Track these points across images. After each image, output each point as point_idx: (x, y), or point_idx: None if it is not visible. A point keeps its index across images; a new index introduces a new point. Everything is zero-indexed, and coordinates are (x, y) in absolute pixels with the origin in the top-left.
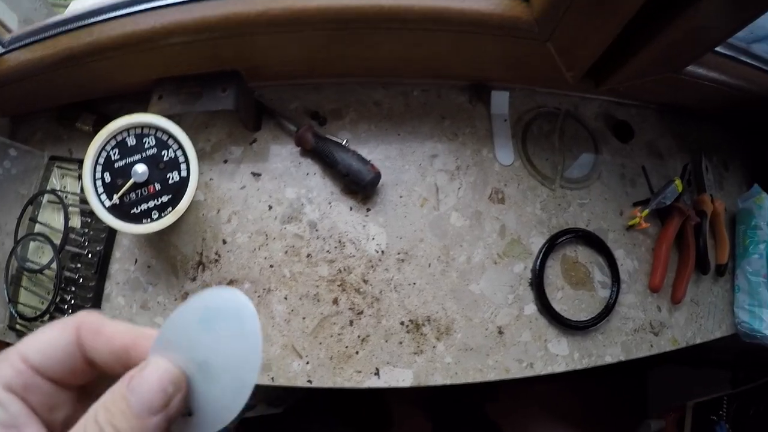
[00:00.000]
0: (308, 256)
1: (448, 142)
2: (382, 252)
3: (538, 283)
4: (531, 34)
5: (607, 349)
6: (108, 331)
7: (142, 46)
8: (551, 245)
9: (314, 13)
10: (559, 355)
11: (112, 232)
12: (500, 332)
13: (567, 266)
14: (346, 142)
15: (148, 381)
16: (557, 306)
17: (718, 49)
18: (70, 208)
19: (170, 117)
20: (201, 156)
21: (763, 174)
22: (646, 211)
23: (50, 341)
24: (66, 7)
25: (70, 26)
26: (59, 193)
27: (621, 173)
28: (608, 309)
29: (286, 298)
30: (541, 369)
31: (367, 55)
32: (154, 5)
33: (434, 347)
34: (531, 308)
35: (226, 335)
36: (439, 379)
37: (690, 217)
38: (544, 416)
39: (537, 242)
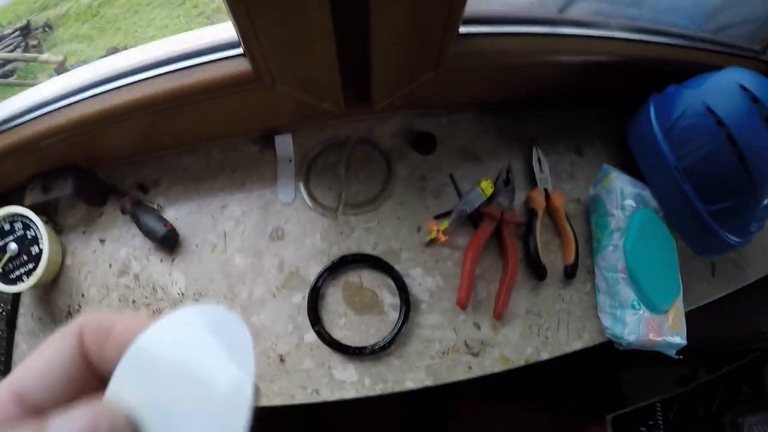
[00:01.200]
0: (133, 301)
1: (237, 192)
2: (183, 294)
3: (313, 311)
4: (260, 83)
5: (407, 374)
6: (117, 332)
7: (20, 151)
8: (326, 273)
9: (103, 113)
10: (347, 381)
11: (17, 295)
12: (282, 360)
13: (350, 292)
14: (158, 206)
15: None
16: (339, 333)
17: (510, 30)
18: None
19: (43, 203)
20: (69, 229)
21: (624, 153)
22: (445, 223)
23: (47, 366)
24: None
25: None
26: None
27: (420, 187)
28: (395, 333)
29: None
30: (328, 395)
31: (166, 132)
32: (27, 118)
33: None
34: (311, 336)
35: (208, 366)
36: None
37: (506, 221)
38: None
39: (315, 272)
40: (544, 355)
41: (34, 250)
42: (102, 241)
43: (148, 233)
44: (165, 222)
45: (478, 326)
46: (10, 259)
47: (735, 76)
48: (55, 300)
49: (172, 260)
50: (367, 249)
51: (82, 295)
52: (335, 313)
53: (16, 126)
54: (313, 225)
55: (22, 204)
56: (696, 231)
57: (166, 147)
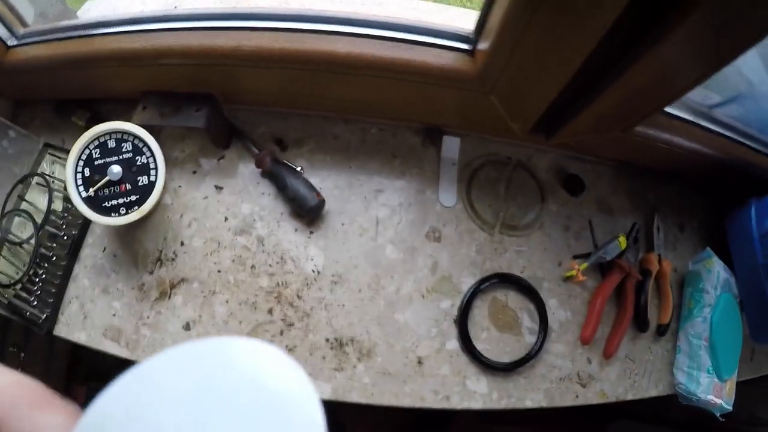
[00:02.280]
0: (252, 267)
1: (395, 180)
2: (318, 272)
3: (462, 320)
4: (475, 87)
5: (529, 394)
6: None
7: (133, 62)
8: (480, 286)
9: (279, 54)
10: (477, 393)
11: (87, 220)
12: (420, 362)
13: (495, 309)
14: (301, 169)
15: None
16: (480, 345)
17: (673, 112)
18: (55, 193)
19: (151, 126)
20: (173, 164)
21: (718, 240)
22: (585, 264)
23: None
24: None
25: (75, 33)
26: (47, 177)
27: (565, 225)
28: (531, 355)
29: (227, 302)
30: (457, 403)
31: (329, 95)
32: (147, 27)
33: (354, 367)
34: (453, 344)
35: None
36: (355, 397)
37: (631, 275)
38: None
39: (468, 282)
40: (629, 396)
41: (142, 180)
42: (218, 188)
43: (293, 198)
44: (317, 192)
45: (589, 361)
46: (109, 183)
47: None
48: (141, 239)
49: (310, 233)
50: (516, 271)
51: (182, 243)
52: (479, 326)
53: (137, 31)
54: (470, 235)
55: (125, 120)
56: (761, 320)
57: (318, 108)
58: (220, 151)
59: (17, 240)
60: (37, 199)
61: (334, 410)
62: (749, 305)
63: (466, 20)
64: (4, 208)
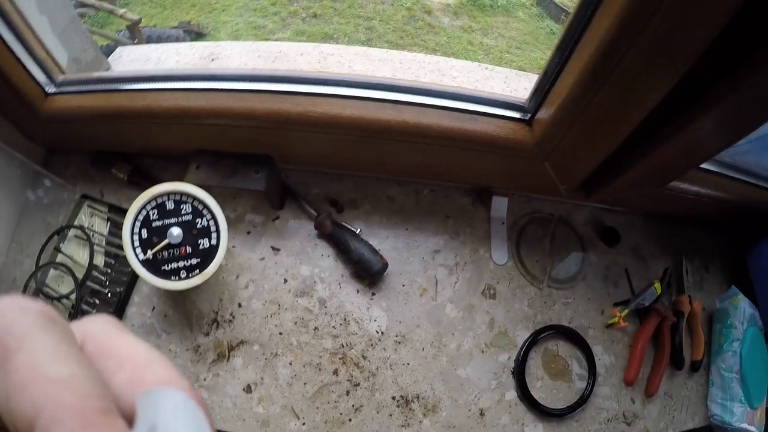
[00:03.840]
0: (315, 329)
1: (450, 240)
2: (382, 333)
3: (519, 372)
4: (531, 155)
5: None
6: (121, 350)
7: (190, 121)
8: (534, 339)
9: (347, 121)
10: None
11: (134, 277)
12: (482, 414)
13: (548, 358)
14: (360, 231)
15: None
16: (536, 394)
17: (710, 168)
18: (96, 247)
19: (204, 186)
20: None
21: (741, 276)
22: (626, 311)
23: None
24: (107, 37)
25: (124, 86)
26: (87, 230)
27: (605, 275)
28: (583, 399)
29: (291, 364)
30: None
31: (386, 159)
32: (206, 86)
33: (420, 422)
34: (512, 394)
35: None
36: None
37: (667, 318)
38: None
39: (522, 335)
40: (670, 431)
41: (203, 243)
42: (275, 250)
43: (357, 261)
44: (381, 256)
45: (633, 401)
46: (168, 246)
47: None
48: (194, 300)
49: (372, 294)
50: (564, 321)
51: (240, 305)
52: (534, 376)
53: (189, 90)
54: (522, 290)
55: (180, 179)
56: None
57: (371, 170)
58: (274, 212)
59: (55, 294)
60: (75, 252)
61: None
62: None
63: (517, 82)
64: (38, 260)
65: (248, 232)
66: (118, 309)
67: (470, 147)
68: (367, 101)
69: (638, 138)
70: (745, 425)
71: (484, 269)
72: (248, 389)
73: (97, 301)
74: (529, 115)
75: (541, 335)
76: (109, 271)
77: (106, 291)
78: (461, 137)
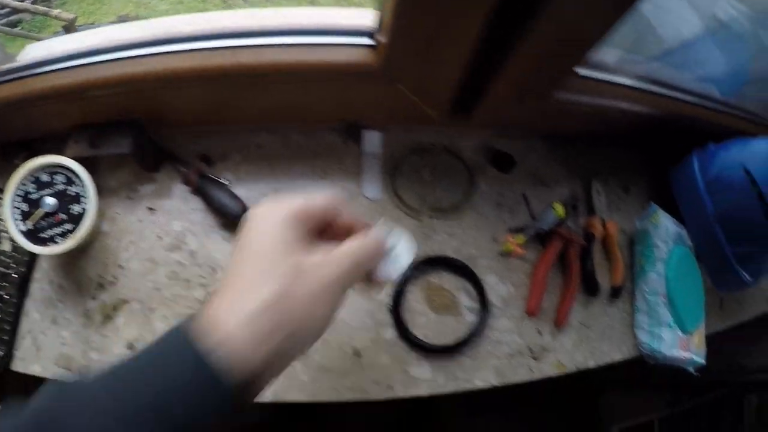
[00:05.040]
0: (186, 280)
1: (318, 180)
2: None
3: (396, 308)
4: (381, 78)
5: (477, 373)
6: (344, 218)
7: (61, 98)
8: (411, 271)
9: (189, 73)
10: (421, 379)
11: (33, 256)
12: (358, 354)
13: (431, 292)
14: (229, 181)
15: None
16: (419, 331)
17: (595, 75)
18: (3, 234)
19: (86, 158)
20: (111, 193)
21: (665, 195)
22: (520, 236)
23: (317, 204)
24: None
25: (10, 76)
26: None
27: (498, 202)
28: (474, 333)
29: (165, 317)
30: (401, 392)
31: (246, 106)
32: (74, 64)
33: (291, 366)
34: (391, 333)
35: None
36: (295, 396)
37: (573, 242)
38: None
39: None
40: (591, 363)
41: (75, 209)
42: (151, 210)
43: (218, 210)
44: (239, 200)
45: (540, 332)
46: (45, 215)
47: None
48: (83, 268)
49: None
50: (449, 253)
51: (120, 266)
52: (415, 311)
53: (62, 69)
54: (398, 224)
55: (61, 155)
56: (719, 267)
57: (239, 121)
58: (152, 175)
59: None
60: None
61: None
62: (706, 255)
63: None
64: None
65: (129, 198)
66: (21, 286)
67: (318, 78)
68: (208, 51)
69: (497, 45)
70: (677, 352)
71: (354, 206)
72: (130, 346)
73: (6, 284)
74: (374, 40)
75: (420, 267)
76: (15, 254)
77: (12, 273)
78: (304, 70)
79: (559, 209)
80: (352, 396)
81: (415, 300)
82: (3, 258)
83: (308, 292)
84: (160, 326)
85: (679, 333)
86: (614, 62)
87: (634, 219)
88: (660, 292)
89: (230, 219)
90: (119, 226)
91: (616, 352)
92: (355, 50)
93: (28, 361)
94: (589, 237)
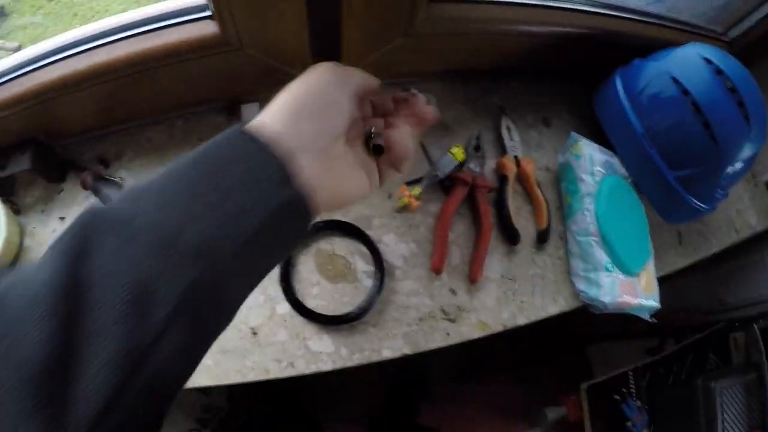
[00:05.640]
0: None
1: None
2: None
3: (285, 280)
4: (227, 46)
5: (385, 342)
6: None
7: None
8: None
9: (55, 82)
10: (323, 353)
11: None
12: (254, 333)
13: (322, 260)
14: (121, 179)
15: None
16: (313, 302)
17: None
18: None
19: (2, 181)
20: (28, 209)
21: (591, 123)
22: (417, 188)
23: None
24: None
25: None
26: None
27: None
28: (372, 300)
29: None
30: (304, 368)
31: (128, 101)
32: None
33: None
34: (284, 307)
35: None
36: (203, 381)
37: (479, 186)
38: (485, 414)
39: None
40: (521, 320)
41: None
42: (62, 219)
43: None
44: None
45: (453, 292)
46: None
47: (699, 50)
48: None
49: None
50: (338, 216)
51: None
52: (308, 282)
53: None
54: None
55: None
56: (663, 196)
57: (128, 119)
58: (58, 185)
59: None
60: None
61: (310, 413)
62: (644, 183)
63: None
64: None
65: (43, 211)
66: None
67: (171, 61)
68: (69, 58)
69: None
70: (622, 298)
71: None
72: None
73: None
74: (209, 10)
75: (307, 235)
76: None
77: None
78: (153, 55)
79: (458, 152)
80: (255, 376)
81: (306, 270)
82: None
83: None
84: None
85: (621, 276)
86: None
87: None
88: (591, 231)
89: None
90: (38, 239)
91: (551, 305)
92: (195, 25)
93: None
94: (501, 179)
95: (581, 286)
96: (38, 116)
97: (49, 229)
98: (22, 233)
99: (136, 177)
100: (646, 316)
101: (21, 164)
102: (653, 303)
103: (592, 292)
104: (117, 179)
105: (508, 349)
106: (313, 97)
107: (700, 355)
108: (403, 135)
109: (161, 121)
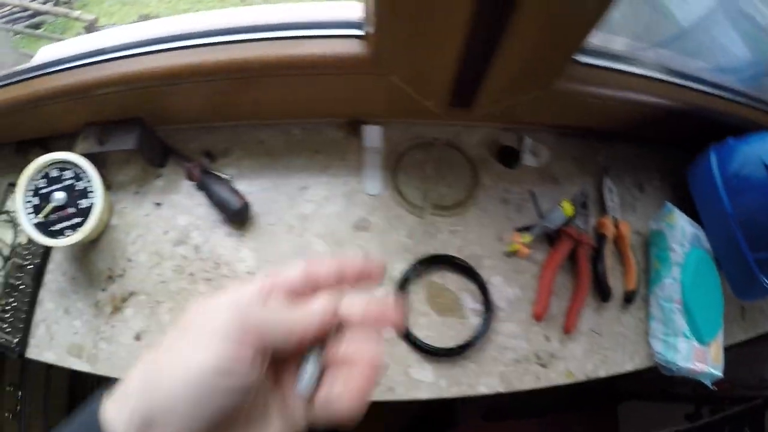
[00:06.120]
0: (191, 274)
1: (319, 175)
2: (251, 273)
3: None
4: (373, 69)
5: (481, 379)
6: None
7: (68, 97)
8: (413, 271)
9: (185, 70)
10: (423, 382)
11: (47, 249)
12: None
13: (434, 292)
14: (231, 176)
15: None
16: (421, 332)
17: (599, 63)
18: (19, 227)
19: (95, 155)
20: (119, 187)
21: (682, 194)
22: (527, 236)
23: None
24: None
25: (20, 77)
26: (11, 213)
27: (503, 198)
28: (476, 337)
29: (171, 310)
30: (402, 394)
31: (245, 101)
32: (80, 63)
33: None
34: (391, 333)
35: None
36: None
37: (583, 242)
38: None
39: (400, 269)
40: (602, 373)
41: (83, 203)
42: (158, 204)
43: (219, 204)
44: (239, 195)
45: (548, 339)
46: (55, 209)
47: None
48: (94, 261)
49: (241, 236)
50: (452, 251)
51: (129, 260)
52: (417, 312)
53: (69, 68)
54: (399, 221)
55: (71, 152)
56: (740, 274)
57: (241, 117)
58: (158, 170)
59: None
60: (5, 235)
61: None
62: (725, 260)
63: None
64: None
65: (136, 192)
66: (37, 277)
67: (310, 72)
68: (204, 47)
69: (483, 28)
70: (694, 364)
71: (355, 202)
72: (138, 337)
73: (22, 274)
74: (363, 30)
75: (423, 266)
76: (31, 246)
77: (28, 264)
78: (292, 64)
79: (568, 207)
80: None
81: (418, 300)
82: (20, 250)
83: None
84: (166, 318)
85: (696, 344)
86: (623, 49)
87: (649, 220)
88: (675, 298)
89: (229, 214)
90: (127, 220)
91: (628, 362)
92: (343, 41)
93: (42, 348)
94: (600, 238)
95: (658, 348)
96: (145, 99)
97: (141, 212)
98: (110, 211)
99: (244, 177)
100: (709, 383)
101: (124, 143)
102: (717, 372)
103: (669, 355)
104: (226, 176)
105: (539, 393)
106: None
107: (737, 427)
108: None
109: (276, 125)
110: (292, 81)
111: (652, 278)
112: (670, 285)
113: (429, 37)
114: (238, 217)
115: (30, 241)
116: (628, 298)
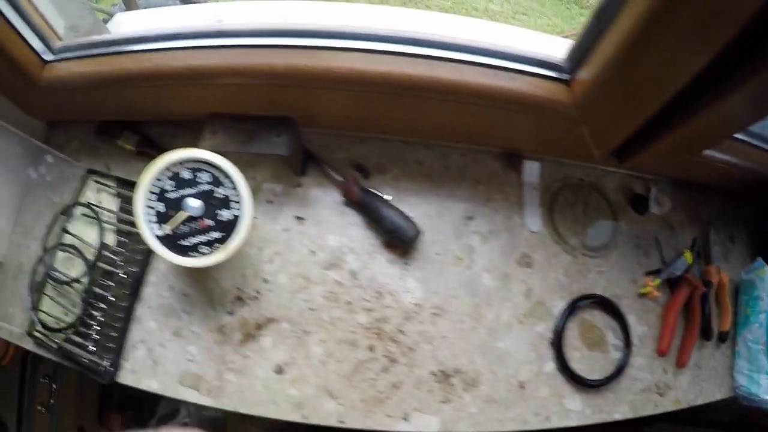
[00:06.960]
0: (348, 302)
1: (482, 206)
2: (418, 305)
3: (557, 343)
4: (570, 117)
5: (617, 407)
6: None
7: (203, 81)
8: (572, 309)
9: (375, 77)
10: (573, 411)
11: (148, 256)
12: (522, 387)
13: (584, 329)
14: (391, 197)
15: None
16: (574, 365)
17: (749, 140)
18: (106, 225)
19: (220, 153)
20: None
21: (765, 247)
22: (658, 280)
23: None
24: (103, 12)
25: (126, 48)
26: (95, 207)
27: (636, 243)
28: (620, 370)
29: (323, 341)
30: (557, 422)
31: (416, 120)
32: (219, 43)
33: (461, 397)
34: (550, 366)
35: None
36: (463, 427)
37: (697, 288)
38: None
39: (558, 305)
40: (699, 401)
41: (224, 215)
42: (300, 219)
43: (390, 230)
44: (413, 223)
45: (665, 371)
46: (188, 219)
47: None
48: (215, 277)
49: (405, 264)
50: (599, 291)
51: (265, 281)
52: (571, 347)
53: (196, 48)
54: (556, 259)
55: (193, 146)
56: None
57: (392, 131)
58: (296, 179)
59: (65, 278)
60: (84, 232)
61: None
62: None
63: (548, 45)
64: (45, 242)
65: (269, 202)
66: (134, 290)
67: (506, 107)
68: (397, 56)
69: (673, 107)
70: None
71: (518, 237)
72: (279, 370)
73: (112, 284)
74: (568, 76)
75: (578, 305)
76: (122, 250)
77: (120, 272)
78: (498, 96)
79: (688, 256)
80: (514, 426)
81: (572, 336)
82: (108, 254)
83: None
84: (316, 351)
85: None
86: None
87: (738, 269)
88: (761, 340)
89: (401, 243)
90: (259, 233)
91: (717, 392)
92: (549, 84)
93: (140, 374)
94: (707, 284)
95: (742, 381)
96: (295, 97)
97: (277, 226)
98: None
99: (404, 200)
100: None
101: (275, 147)
102: None
103: (753, 388)
104: (388, 196)
105: None
106: None
107: None
108: None
109: (432, 147)
110: (479, 109)
111: (741, 321)
112: (758, 329)
113: (640, 101)
114: (410, 244)
115: (121, 244)
116: (723, 338)
